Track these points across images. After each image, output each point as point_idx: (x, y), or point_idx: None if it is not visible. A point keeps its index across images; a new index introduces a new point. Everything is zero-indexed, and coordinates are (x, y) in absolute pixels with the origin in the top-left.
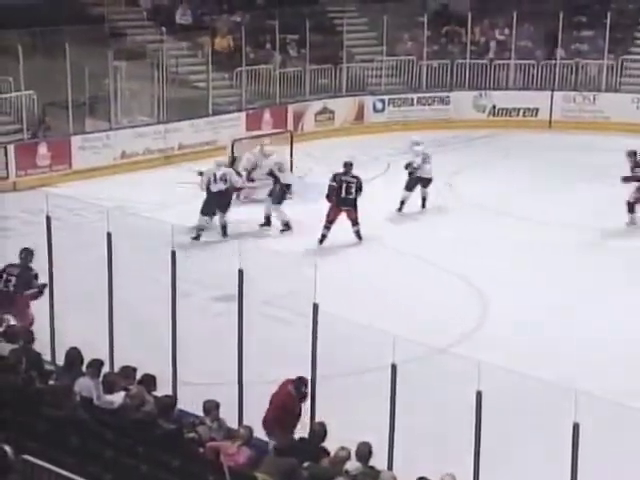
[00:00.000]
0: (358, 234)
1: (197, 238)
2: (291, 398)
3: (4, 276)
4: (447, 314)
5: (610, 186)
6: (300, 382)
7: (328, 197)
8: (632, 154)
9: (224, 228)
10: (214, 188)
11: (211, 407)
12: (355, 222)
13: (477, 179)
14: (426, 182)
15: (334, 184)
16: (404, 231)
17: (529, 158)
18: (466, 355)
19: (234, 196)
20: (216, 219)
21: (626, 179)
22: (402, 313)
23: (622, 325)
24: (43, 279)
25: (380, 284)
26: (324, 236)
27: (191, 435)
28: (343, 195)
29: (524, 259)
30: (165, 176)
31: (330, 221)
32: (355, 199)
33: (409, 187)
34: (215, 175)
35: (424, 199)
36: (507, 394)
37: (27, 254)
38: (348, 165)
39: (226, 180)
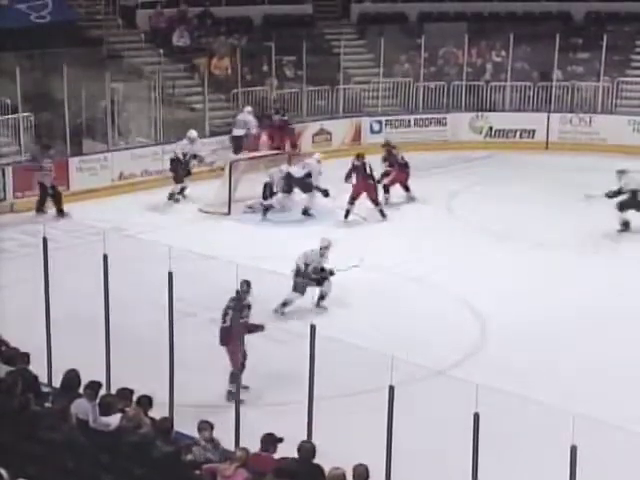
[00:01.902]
0: (382, 213)
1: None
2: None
3: (224, 311)
4: (445, 336)
5: (608, 208)
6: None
7: (347, 178)
8: (622, 172)
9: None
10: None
11: (204, 427)
12: (376, 202)
13: (475, 200)
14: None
15: (358, 163)
16: (402, 252)
17: (526, 179)
18: (464, 377)
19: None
20: None
21: (610, 196)
22: (400, 335)
23: (622, 348)
24: (40, 301)
25: (377, 305)
26: (348, 211)
27: (189, 457)
28: (368, 172)
29: (523, 280)
30: (163, 197)
31: (354, 197)
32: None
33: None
34: None
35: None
36: (505, 416)
37: (246, 285)
38: (361, 155)
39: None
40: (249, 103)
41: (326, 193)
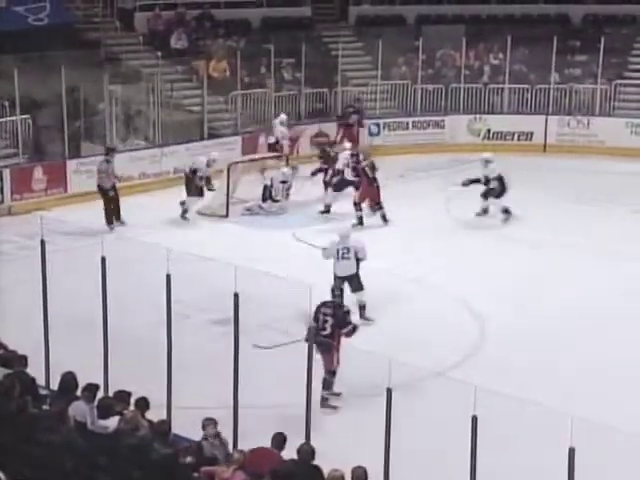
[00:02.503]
0: (384, 217)
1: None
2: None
3: (320, 317)
4: (444, 337)
5: (606, 209)
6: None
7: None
8: (487, 162)
9: None
10: None
11: (208, 423)
12: (380, 206)
13: (473, 202)
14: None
15: (363, 164)
16: (400, 254)
17: (524, 182)
18: (463, 378)
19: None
20: None
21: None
22: (399, 336)
23: (622, 349)
24: (38, 303)
25: (376, 307)
26: (361, 218)
27: (188, 460)
28: (372, 175)
29: (522, 281)
30: (161, 200)
31: (360, 202)
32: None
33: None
34: None
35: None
36: (503, 418)
37: (339, 291)
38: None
39: None
40: (248, 105)
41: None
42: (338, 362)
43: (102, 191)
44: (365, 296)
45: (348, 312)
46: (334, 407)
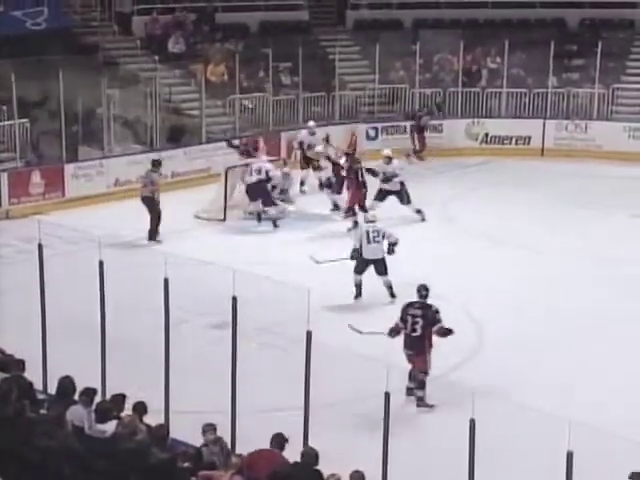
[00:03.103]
0: (356, 224)
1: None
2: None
3: (409, 319)
4: (442, 341)
5: (604, 213)
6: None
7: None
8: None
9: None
10: None
11: (208, 429)
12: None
13: (471, 207)
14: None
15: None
16: (398, 258)
17: (522, 186)
18: (461, 382)
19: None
20: None
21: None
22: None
23: (621, 354)
24: (35, 308)
25: (374, 311)
26: (356, 222)
27: (185, 465)
28: (361, 179)
29: (520, 286)
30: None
31: (351, 208)
32: None
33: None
34: None
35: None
36: (501, 422)
37: (425, 290)
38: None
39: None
40: (246, 109)
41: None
42: (429, 363)
43: (153, 203)
44: (390, 277)
45: (437, 311)
46: (431, 405)
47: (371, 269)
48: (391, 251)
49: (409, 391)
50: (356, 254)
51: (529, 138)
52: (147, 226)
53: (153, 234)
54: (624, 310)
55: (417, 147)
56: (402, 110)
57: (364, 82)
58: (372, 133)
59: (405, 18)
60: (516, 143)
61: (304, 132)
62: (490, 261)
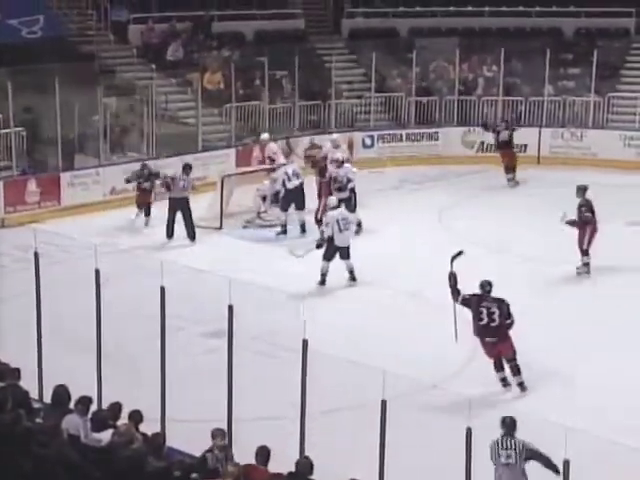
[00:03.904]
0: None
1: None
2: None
3: (484, 311)
4: (439, 349)
5: (601, 222)
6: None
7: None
8: (581, 190)
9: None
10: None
11: (217, 434)
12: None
13: (467, 215)
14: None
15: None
16: (394, 267)
17: (518, 194)
18: (457, 391)
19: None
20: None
21: (571, 223)
22: (393, 349)
23: (620, 360)
24: (32, 316)
25: (370, 319)
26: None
27: (177, 474)
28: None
29: (516, 293)
30: (155, 212)
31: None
32: None
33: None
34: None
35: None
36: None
37: (489, 286)
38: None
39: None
40: (242, 118)
41: None
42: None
43: (187, 205)
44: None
45: (508, 305)
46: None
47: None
48: (358, 232)
49: (504, 382)
50: (323, 242)
51: (525, 146)
52: (143, 235)
53: (192, 234)
54: (623, 318)
55: (506, 165)
56: (398, 119)
57: (360, 90)
58: (368, 141)
59: (401, 27)
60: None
61: (328, 145)
62: (487, 268)
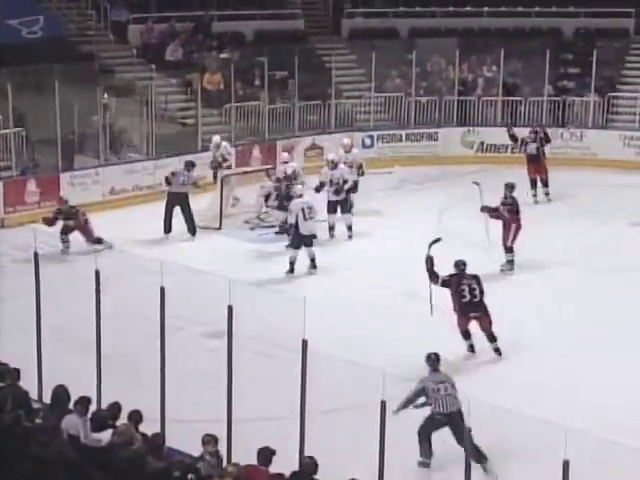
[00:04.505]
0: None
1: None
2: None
3: (466, 288)
4: (437, 350)
5: (602, 222)
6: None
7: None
8: (509, 187)
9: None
10: None
11: (209, 441)
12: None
13: (466, 215)
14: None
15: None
16: (394, 267)
17: (518, 194)
18: (458, 391)
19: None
20: None
21: (484, 209)
22: (392, 349)
23: (622, 361)
24: (30, 316)
25: (369, 320)
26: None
27: (177, 474)
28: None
29: (515, 294)
30: (155, 213)
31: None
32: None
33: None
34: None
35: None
36: (497, 430)
37: (464, 265)
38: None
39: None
40: (242, 118)
41: None
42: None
43: (187, 201)
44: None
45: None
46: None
47: None
48: (350, 237)
49: (472, 348)
50: (283, 229)
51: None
52: (143, 235)
53: (193, 229)
54: (625, 318)
55: (532, 178)
56: (397, 119)
57: (360, 90)
58: (368, 141)
59: (401, 27)
60: (512, 151)
61: (340, 151)
62: (486, 269)
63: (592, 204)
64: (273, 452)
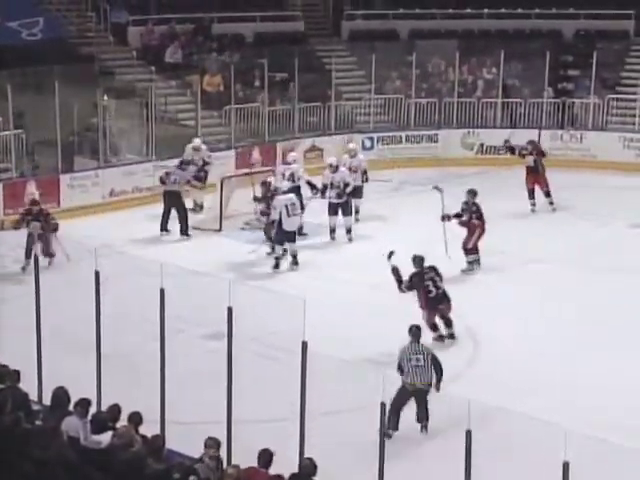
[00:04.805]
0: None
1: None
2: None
3: (430, 283)
4: (438, 352)
5: (602, 224)
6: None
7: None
8: (471, 193)
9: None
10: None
11: (211, 445)
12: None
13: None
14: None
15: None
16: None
17: (517, 196)
18: (457, 393)
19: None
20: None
21: (445, 217)
22: (392, 350)
23: (622, 362)
24: (30, 318)
25: (370, 321)
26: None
27: (177, 476)
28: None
29: (515, 296)
30: (154, 214)
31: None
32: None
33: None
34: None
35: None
36: (498, 432)
37: (421, 260)
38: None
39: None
40: (242, 120)
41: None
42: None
43: (181, 199)
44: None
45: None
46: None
47: None
48: (350, 239)
49: (441, 338)
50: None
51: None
52: (143, 236)
53: (185, 229)
54: (624, 319)
55: (530, 188)
56: (397, 120)
57: (360, 92)
58: (368, 143)
59: (401, 29)
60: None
61: (345, 156)
62: (486, 271)
63: (592, 206)
64: (272, 454)
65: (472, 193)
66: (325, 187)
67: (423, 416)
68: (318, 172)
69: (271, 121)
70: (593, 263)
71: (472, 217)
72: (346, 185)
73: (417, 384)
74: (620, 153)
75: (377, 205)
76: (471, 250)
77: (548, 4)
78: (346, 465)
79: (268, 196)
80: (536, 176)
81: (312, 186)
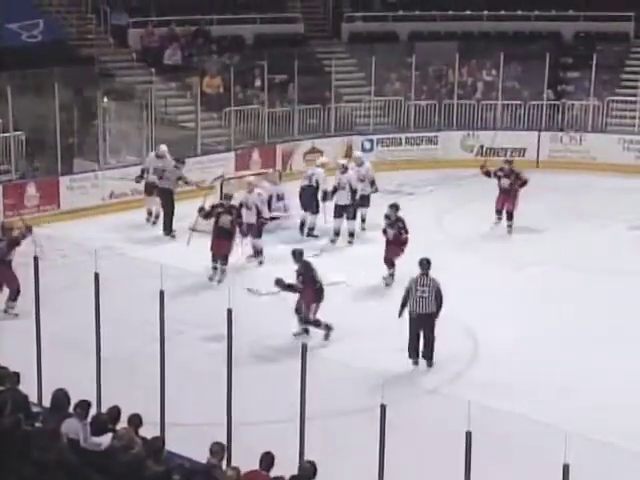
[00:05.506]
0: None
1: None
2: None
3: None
4: (437, 354)
5: (602, 226)
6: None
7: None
8: (393, 207)
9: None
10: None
11: (217, 451)
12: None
13: (466, 219)
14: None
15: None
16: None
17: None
18: (456, 395)
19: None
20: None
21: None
22: (392, 353)
23: (622, 364)
24: (30, 320)
25: (368, 325)
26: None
27: (177, 478)
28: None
29: (515, 298)
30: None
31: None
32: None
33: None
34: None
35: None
36: (497, 434)
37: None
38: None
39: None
40: (241, 121)
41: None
42: None
43: (171, 197)
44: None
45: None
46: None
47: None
48: (351, 242)
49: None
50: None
51: (524, 150)
52: (142, 238)
53: (168, 228)
54: (624, 321)
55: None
56: (397, 122)
57: (360, 94)
58: (367, 145)
59: (401, 30)
60: (511, 155)
61: (351, 165)
62: (486, 273)
63: (591, 208)
64: (274, 457)
65: (394, 207)
66: (335, 189)
67: (428, 354)
68: None
69: (271, 123)
70: (592, 265)
71: (401, 232)
72: (354, 191)
73: (419, 312)
74: (620, 155)
75: (376, 207)
76: (393, 263)
77: (548, 6)
78: (346, 467)
79: (216, 212)
80: (506, 198)
81: (324, 195)
